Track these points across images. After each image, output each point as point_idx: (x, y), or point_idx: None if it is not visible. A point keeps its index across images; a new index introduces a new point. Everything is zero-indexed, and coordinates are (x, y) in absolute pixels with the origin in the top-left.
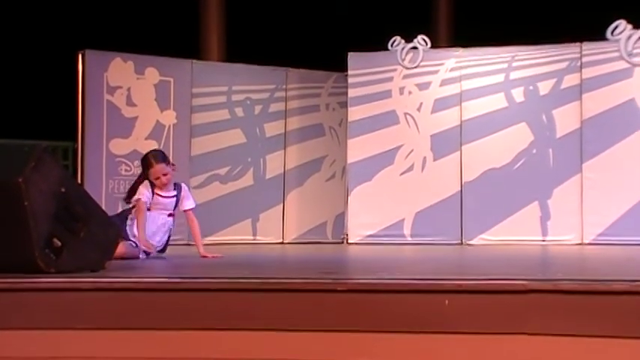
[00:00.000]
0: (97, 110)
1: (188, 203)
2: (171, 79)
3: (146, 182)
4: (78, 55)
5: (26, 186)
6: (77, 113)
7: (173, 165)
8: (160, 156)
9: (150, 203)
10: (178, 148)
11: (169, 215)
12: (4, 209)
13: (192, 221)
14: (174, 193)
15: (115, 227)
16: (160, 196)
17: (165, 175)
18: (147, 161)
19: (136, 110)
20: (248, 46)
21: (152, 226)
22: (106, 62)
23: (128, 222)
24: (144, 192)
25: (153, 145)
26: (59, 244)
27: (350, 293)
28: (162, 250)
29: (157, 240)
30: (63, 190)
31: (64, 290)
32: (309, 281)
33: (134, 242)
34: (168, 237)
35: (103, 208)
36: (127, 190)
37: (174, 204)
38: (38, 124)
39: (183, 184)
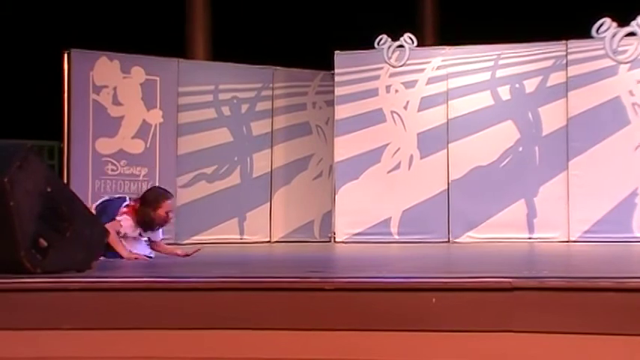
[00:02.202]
0: (82, 109)
1: (158, 235)
2: (158, 78)
3: (132, 220)
4: (63, 54)
5: (11, 186)
6: (63, 112)
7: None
8: (168, 191)
9: (129, 235)
10: (165, 147)
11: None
12: None
13: (163, 248)
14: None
15: (101, 227)
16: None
17: (170, 211)
18: (159, 194)
19: (122, 109)
20: (234, 45)
21: (140, 248)
22: (92, 61)
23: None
24: (127, 224)
25: (139, 145)
26: (45, 244)
27: (337, 292)
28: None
29: (149, 251)
30: (49, 189)
31: (51, 290)
32: (297, 280)
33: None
34: None
35: (89, 207)
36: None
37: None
38: (24, 123)
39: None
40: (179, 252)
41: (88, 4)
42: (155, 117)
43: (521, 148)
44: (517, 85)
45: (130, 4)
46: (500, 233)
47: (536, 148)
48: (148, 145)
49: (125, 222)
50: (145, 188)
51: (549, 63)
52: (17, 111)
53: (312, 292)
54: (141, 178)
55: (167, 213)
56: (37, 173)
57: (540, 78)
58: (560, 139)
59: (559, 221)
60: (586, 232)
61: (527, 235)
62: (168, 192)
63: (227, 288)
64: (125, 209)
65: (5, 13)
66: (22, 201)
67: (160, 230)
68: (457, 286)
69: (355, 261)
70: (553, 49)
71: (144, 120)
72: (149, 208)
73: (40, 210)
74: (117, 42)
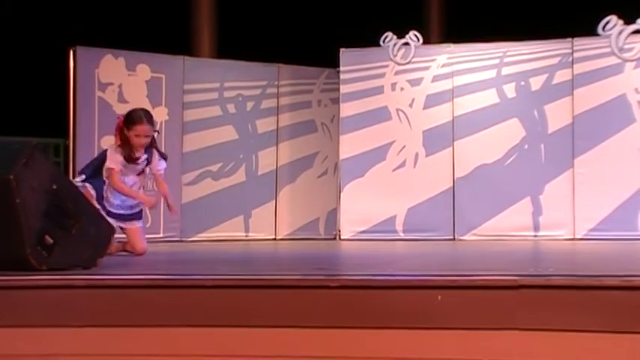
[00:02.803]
0: (88, 107)
1: (160, 164)
2: (163, 76)
3: (115, 147)
4: (69, 51)
5: (17, 183)
6: (68, 110)
7: (157, 131)
8: (149, 116)
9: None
10: (170, 144)
11: (138, 174)
12: None
13: (161, 184)
14: (145, 156)
15: (107, 224)
16: (131, 160)
17: (147, 137)
18: (136, 116)
19: (127, 107)
20: (240, 43)
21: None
22: (97, 59)
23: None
24: (116, 159)
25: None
26: (51, 241)
27: (342, 289)
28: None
29: (130, 203)
30: (54, 187)
31: (56, 288)
32: (302, 277)
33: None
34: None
35: (94, 204)
36: (91, 163)
37: (144, 165)
38: (29, 120)
39: (154, 149)
40: (169, 201)
41: (94, 1)
42: (160, 114)
43: (526, 146)
44: (523, 83)
45: (135, 1)
46: (506, 231)
47: (542, 146)
48: None
49: (114, 160)
50: (150, 186)
51: (555, 61)
52: (23, 108)
53: (316, 290)
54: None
55: (138, 137)
56: (42, 171)
57: (546, 76)
58: (565, 136)
59: (565, 219)
60: (592, 229)
61: (533, 233)
62: (148, 117)
63: (232, 285)
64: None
65: (7, 13)
66: (28, 198)
67: (161, 161)
68: (462, 283)
69: (360, 258)
70: (559, 46)
71: None
72: (125, 129)
73: (46, 207)
74: (122, 39)
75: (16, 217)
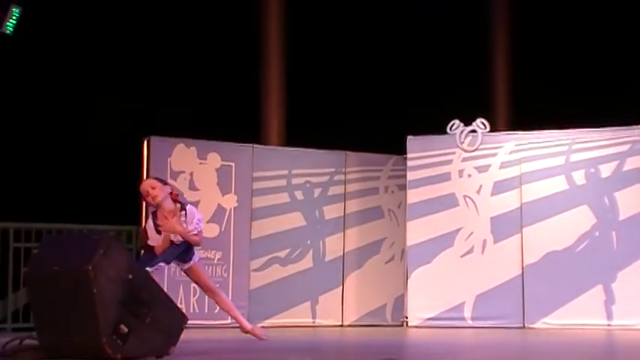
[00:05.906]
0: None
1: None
2: (233, 164)
3: (148, 222)
4: (143, 141)
5: (95, 274)
6: (141, 198)
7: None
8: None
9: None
10: (239, 231)
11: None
12: (72, 295)
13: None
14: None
15: (180, 312)
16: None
17: (153, 188)
18: None
19: (197, 194)
20: (307, 131)
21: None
22: (170, 148)
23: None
24: (149, 233)
25: (214, 229)
26: (126, 330)
27: None
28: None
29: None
30: (130, 276)
31: None
32: None
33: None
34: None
35: (166, 291)
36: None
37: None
38: (104, 208)
39: (189, 206)
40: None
41: (167, 93)
42: (230, 202)
43: (597, 233)
44: (592, 170)
45: (207, 92)
46: (577, 319)
47: (613, 233)
48: (222, 229)
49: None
50: (219, 272)
51: (625, 148)
52: (99, 196)
53: None
54: (215, 261)
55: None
56: (119, 261)
57: (616, 163)
58: (637, 224)
59: (639, 308)
60: None
61: (606, 322)
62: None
63: None
64: None
65: (88, 104)
66: (105, 288)
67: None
68: None
69: (430, 348)
70: (628, 133)
71: (219, 204)
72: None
73: (121, 296)
74: (194, 129)
75: (93, 306)
